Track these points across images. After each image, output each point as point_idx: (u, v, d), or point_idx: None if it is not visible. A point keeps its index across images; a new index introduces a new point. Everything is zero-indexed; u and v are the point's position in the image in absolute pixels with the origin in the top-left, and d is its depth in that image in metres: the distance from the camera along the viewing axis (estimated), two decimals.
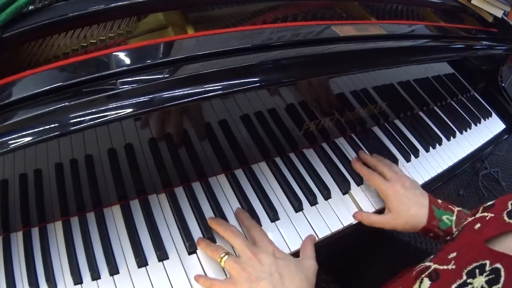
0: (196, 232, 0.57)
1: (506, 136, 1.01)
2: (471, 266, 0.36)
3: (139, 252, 0.53)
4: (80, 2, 0.50)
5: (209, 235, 0.56)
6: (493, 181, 1.79)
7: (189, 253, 0.55)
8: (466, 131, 0.93)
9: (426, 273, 0.39)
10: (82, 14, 0.49)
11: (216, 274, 0.53)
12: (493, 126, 1.01)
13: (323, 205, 0.65)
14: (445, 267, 0.38)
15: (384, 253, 0.77)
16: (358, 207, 0.66)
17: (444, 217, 0.60)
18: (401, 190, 0.62)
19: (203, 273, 0.53)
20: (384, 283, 0.64)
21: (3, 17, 0.45)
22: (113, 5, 0.50)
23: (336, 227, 0.62)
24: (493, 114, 1.04)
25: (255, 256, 0.51)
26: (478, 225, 0.43)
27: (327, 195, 0.66)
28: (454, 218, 0.60)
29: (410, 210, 0.60)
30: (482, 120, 1.00)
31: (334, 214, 0.63)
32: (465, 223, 0.46)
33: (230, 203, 0.62)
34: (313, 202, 0.64)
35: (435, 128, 0.89)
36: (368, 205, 0.67)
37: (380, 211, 0.67)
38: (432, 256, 0.43)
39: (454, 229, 0.59)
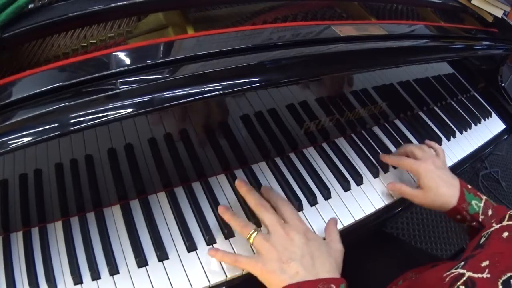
0: (196, 232, 0.57)
1: (506, 136, 1.01)
2: (506, 276, 0.36)
3: (139, 252, 0.53)
4: (80, 2, 0.50)
5: (209, 235, 0.56)
6: (493, 181, 1.79)
7: (189, 253, 0.55)
8: (466, 131, 0.93)
9: (461, 280, 0.39)
10: (82, 14, 0.49)
11: (218, 275, 0.53)
12: (493, 126, 1.00)
13: (323, 205, 0.64)
14: (480, 275, 0.38)
15: (384, 253, 0.77)
16: (359, 207, 0.66)
17: (473, 202, 0.61)
18: (431, 167, 0.64)
19: (203, 273, 0.53)
20: (384, 283, 0.64)
21: (3, 17, 0.45)
22: (113, 5, 0.50)
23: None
24: (493, 114, 1.04)
25: (287, 235, 0.49)
26: (506, 233, 0.44)
27: (327, 195, 0.66)
28: (482, 205, 0.61)
29: (439, 189, 0.62)
30: (482, 120, 1.00)
31: (334, 214, 0.63)
32: (491, 229, 0.47)
33: (230, 203, 0.61)
34: (313, 202, 0.64)
35: (435, 128, 0.89)
36: (368, 205, 0.67)
37: (381, 211, 0.67)
38: (462, 263, 0.43)
39: (481, 216, 0.60)
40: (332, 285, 0.45)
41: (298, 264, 0.46)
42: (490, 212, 0.60)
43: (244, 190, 0.56)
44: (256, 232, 0.50)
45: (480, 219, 0.60)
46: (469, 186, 0.63)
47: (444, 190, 0.62)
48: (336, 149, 0.74)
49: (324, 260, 0.48)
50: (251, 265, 0.49)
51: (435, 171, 0.63)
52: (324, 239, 0.54)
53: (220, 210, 0.54)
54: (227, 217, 0.53)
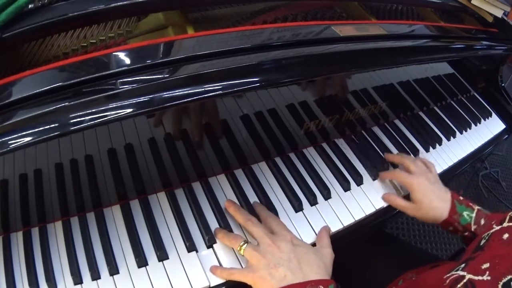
0: (196, 232, 0.57)
1: (506, 136, 1.01)
2: (506, 279, 0.37)
3: (139, 252, 0.53)
4: (80, 2, 0.50)
5: (209, 235, 0.56)
6: (493, 181, 1.79)
7: (189, 253, 0.55)
8: (466, 131, 0.93)
9: (462, 283, 0.40)
10: (82, 14, 0.49)
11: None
12: (493, 126, 1.01)
13: (323, 205, 0.64)
14: (480, 277, 0.39)
15: (384, 253, 0.77)
16: (359, 207, 0.66)
17: (465, 213, 0.62)
18: (425, 182, 0.65)
19: (203, 273, 0.53)
20: (384, 283, 0.64)
21: (3, 17, 0.45)
22: (113, 5, 0.50)
23: (336, 227, 0.62)
24: (493, 114, 1.04)
25: (274, 244, 0.51)
26: (506, 235, 0.44)
27: (327, 195, 0.66)
28: (473, 215, 0.62)
29: (432, 203, 0.63)
30: (482, 120, 1.00)
31: (334, 214, 0.63)
32: (492, 231, 0.47)
33: None
34: (313, 202, 0.64)
35: (435, 128, 0.89)
36: (368, 205, 0.67)
37: (381, 211, 0.67)
38: (463, 265, 0.43)
39: (473, 226, 0.61)
40: (321, 286, 0.46)
41: (285, 268, 0.49)
42: (482, 222, 0.61)
43: (233, 209, 0.58)
44: (245, 244, 0.53)
45: (472, 229, 0.61)
46: (461, 198, 0.64)
47: (436, 205, 0.63)
48: (336, 149, 0.74)
49: (311, 263, 0.50)
50: (244, 276, 0.51)
51: (428, 185, 0.64)
52: (315, 245, 0.57)
53: (216, 231, 0.57)
54: (220, 235, 0.56)
